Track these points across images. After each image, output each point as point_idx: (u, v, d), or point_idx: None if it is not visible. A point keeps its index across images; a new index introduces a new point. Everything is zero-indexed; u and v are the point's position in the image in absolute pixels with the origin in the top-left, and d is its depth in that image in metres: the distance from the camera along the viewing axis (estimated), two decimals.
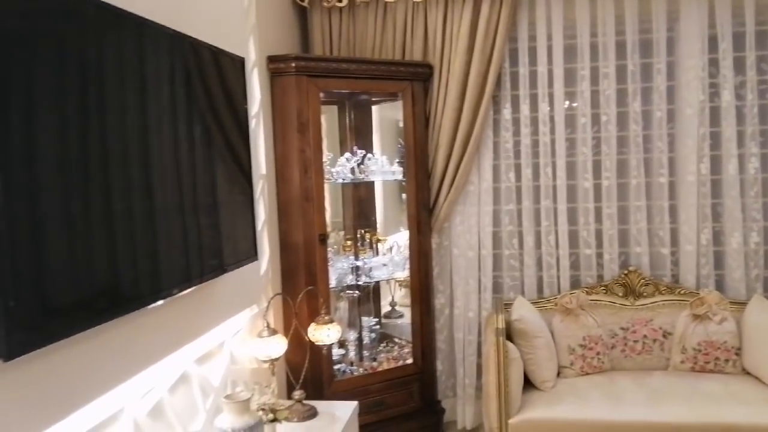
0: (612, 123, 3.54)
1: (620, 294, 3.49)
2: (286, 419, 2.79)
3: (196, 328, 2.31)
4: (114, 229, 1.69)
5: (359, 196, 3.89)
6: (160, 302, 1.93)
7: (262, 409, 2.46)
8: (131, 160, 1.77)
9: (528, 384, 3.12)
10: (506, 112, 3.65)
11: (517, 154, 3.67)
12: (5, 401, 1.41)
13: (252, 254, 2.55)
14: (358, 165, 3.51)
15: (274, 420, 2.48)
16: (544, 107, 3.59)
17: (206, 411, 2.38)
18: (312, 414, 2.86)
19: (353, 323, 3.79)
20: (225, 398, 2.13)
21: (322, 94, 3.24)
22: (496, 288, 3.74)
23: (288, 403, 2.90)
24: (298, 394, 2.90)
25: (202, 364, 2.42)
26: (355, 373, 3.47)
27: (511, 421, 2.87)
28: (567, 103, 3.61)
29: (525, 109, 3.62)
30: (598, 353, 3.26)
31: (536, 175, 3.66)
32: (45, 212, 1.43)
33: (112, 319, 1.69)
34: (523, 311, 3.22)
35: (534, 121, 3.64)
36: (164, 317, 2.07)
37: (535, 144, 3.64)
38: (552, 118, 3.60)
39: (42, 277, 1.43)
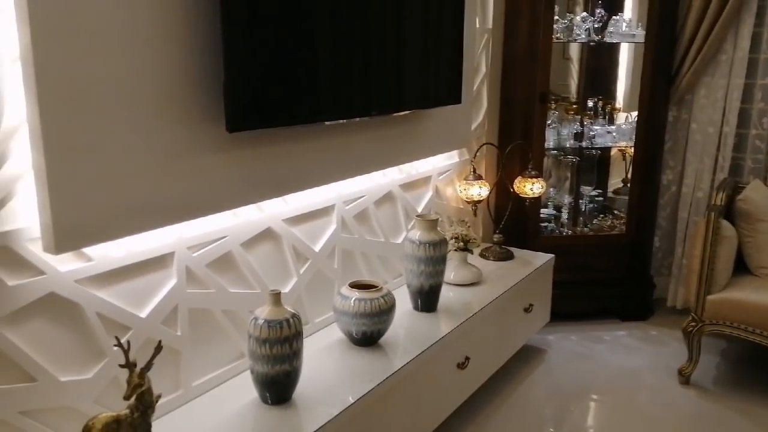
0: None
1: None
2: (483, 256, 3.10)
3: (406, 154, 2.60)
4: (351, 58, 2.02)
5: (599, 62, 3.77)
6: (368, 118, 2.26)
7: (455, 238, 2.78)
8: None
9: (743, 269, 2.93)
10: None
11: None
12: (230, 168, 1.80)
13: (457, 98, 2.70)
14: (599, 27, 3.37)
15: (465, 249, 2.80)
16: None
17: (407, 230, 2.77)
18: (507, 256, 3.12)
19: (571, 189, 3.83)
20: (417, 216, 2.47)
21: None
22: (734, 170, 3.43)
23: (486, 244, 3.19)
24: (496, 237, 3.16)
25: (408, 191, 2.79)
26: (563, 234, 3.58)
27: (710, 297, 2.77)
28: None
29: None
30: None
31: None
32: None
33: (323, 122, 2.05)
34: (753, 193, 2.95)
35: None
36: (378, 135, 2.38)
37: None
38: None
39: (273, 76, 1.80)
